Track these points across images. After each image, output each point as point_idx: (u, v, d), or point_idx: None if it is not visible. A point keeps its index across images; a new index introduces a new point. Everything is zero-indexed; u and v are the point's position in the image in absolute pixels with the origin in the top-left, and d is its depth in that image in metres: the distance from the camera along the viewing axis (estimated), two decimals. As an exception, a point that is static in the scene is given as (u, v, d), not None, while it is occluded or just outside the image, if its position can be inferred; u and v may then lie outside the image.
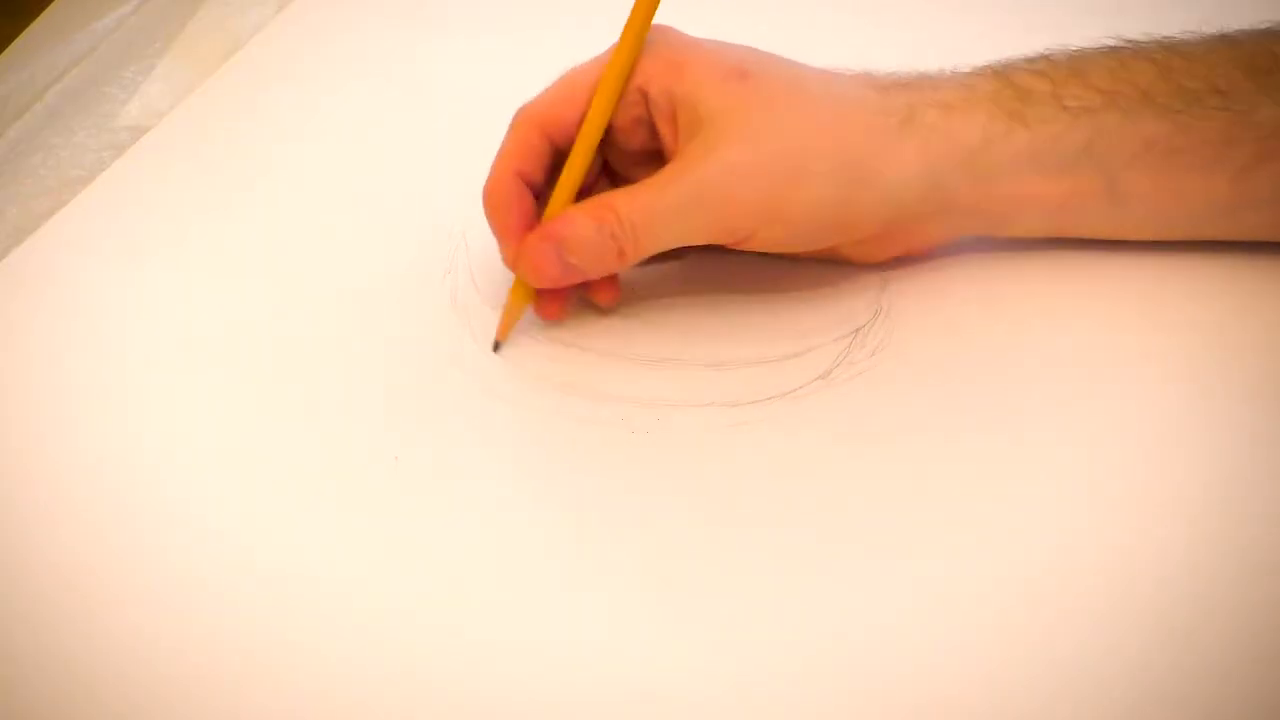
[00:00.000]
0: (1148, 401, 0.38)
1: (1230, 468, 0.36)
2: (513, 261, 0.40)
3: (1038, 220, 0.41)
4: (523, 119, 0.41)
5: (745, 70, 0.39)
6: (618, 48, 0.39)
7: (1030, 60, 0.40)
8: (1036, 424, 0.38)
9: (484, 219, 0.43)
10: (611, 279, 0.41)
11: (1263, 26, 0.40)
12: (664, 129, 0.40)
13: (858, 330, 0.41)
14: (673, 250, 0.41)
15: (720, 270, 0.43)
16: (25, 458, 0.39)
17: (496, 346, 0.41)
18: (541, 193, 0.41)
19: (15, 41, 0.60)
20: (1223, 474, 0.36)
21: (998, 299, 0.42)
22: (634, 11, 0.39)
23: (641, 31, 0.39)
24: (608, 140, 0.40)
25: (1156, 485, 0.36)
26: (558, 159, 0.40)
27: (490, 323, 0.42)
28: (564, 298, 0.41)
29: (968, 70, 0.41)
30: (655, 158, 0.40)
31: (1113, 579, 0.34)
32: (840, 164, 0.38)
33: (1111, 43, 0.40)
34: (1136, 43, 0.40)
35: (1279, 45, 0.39)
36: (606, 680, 0.32)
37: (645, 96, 0.40)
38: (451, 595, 0.34)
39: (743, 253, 0.41)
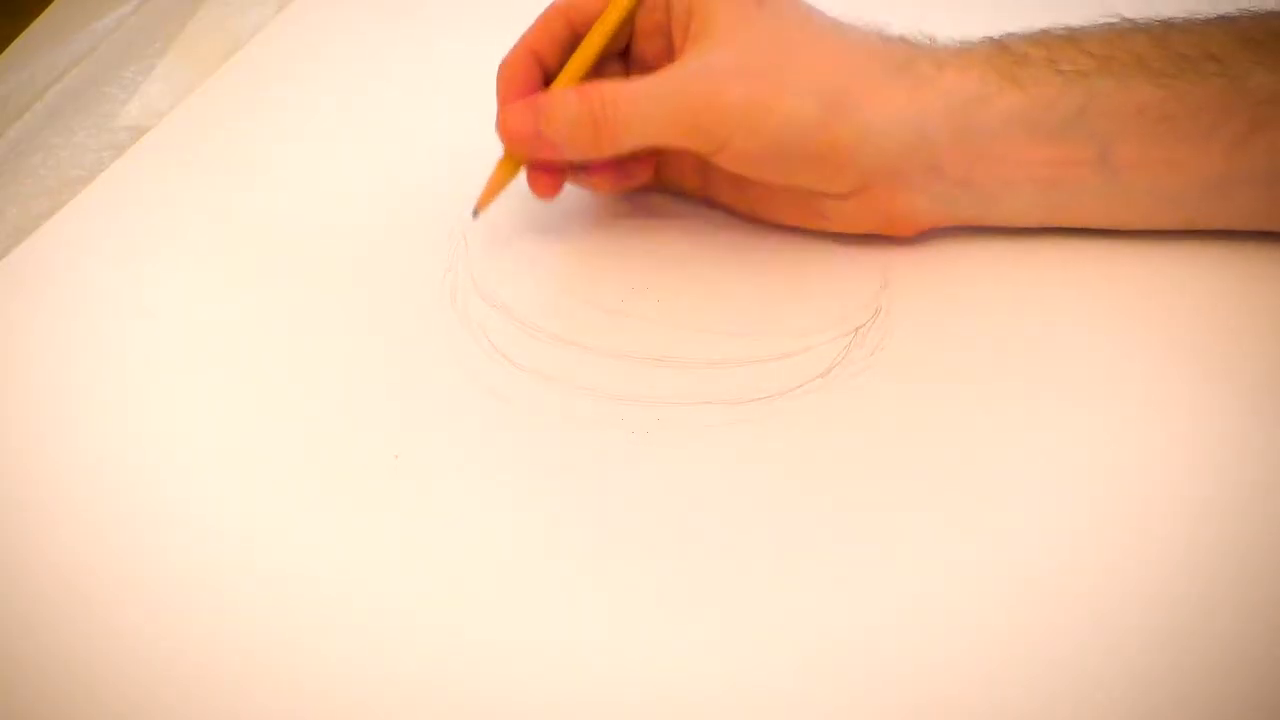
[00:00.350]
0: (1148, 401, 0.38)
1: (1234, 465, 0.36)
2: (499, 126, 0.42)
3: (1028, 196, 0.41)
4: (552, 6, 0.42)
5: None
6: None
7: (1027, 32, 0.41)
8: (1036, 423, 0.38)
9: (486, 218, 0.43)
10: (610, 166, 0.42)
11: (1260, 9, 0.40)
12: (677, 37, 0.41)
13: (857, 330, 0.41)
14: (649, 148, 0.41)
15: (720, 270, 0.43)
16: (25, 458, 0.39)
17: (475, 214, 0.43)
18: (552, 76, 0.42)
19: (15, 41, 0.60)
20: (1226, 472, 0.36)
21: (997, 299, 0.42)
22: None
23: None
24: (631, 50, 0.42)
25: (1157, 484, 0.36)
26: (577, 46, 0.42)
27: (491, 322, 0.42)
28: (554, 174, 0.43)
29: (966, 40, 0.41)
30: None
31: (1114, 578, 0.34)
32: (825, 88, 0.39)
33: (1110, 20, 0.41)
34: (1134, 20, 0.41)
35: (1275, 21, 0.40)
36: (606, 680, 0.32)
37: (669, 3, 0.41)
38: (451, 594, 0.34)
39: (742, 253, 0.41)
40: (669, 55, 0.41)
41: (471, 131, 0.43)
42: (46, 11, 0.61)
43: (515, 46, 0.43)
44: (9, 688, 0.33)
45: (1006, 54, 0.40)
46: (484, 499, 0.37)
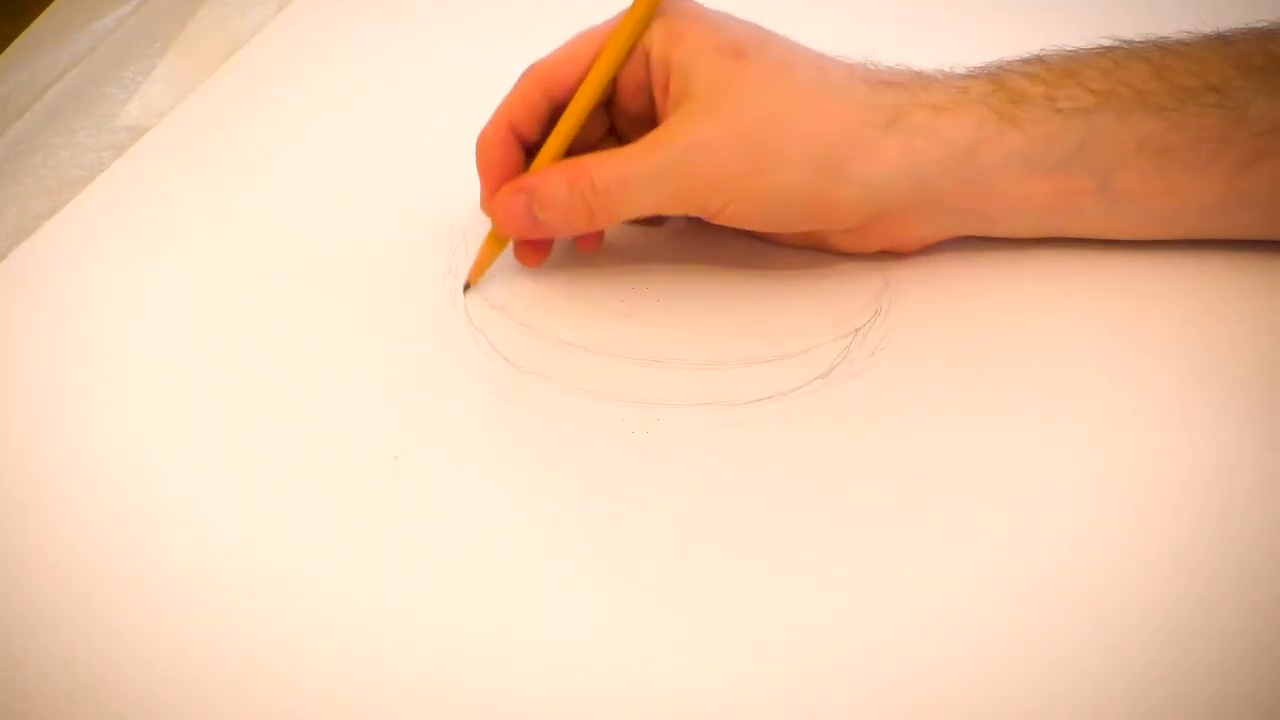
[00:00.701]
0: (1148, 400, 0.38)
1: (1231, 464, 0.36)
2: (486, 208, 0.42)
3: (1029, 219, 0.41)
4: (528, 74, 0.42)
5: (742, 49, 0.39)
6: (629, 11, 0.40)
7: (1025, 62, 0.40)
8: (1036, 423, 0.38)
9: (485, 220, 0.43)
10: (541, 244, 0.43)
11: (1258, 26, 0.40)
12: (658, 95, 0.40)
13: (857, 330, 0.41)
14: (655, 216, 0.42)
15: (721, 270, 0.43)
16: (25, 457, 0.39)
17: (466, 288, 0.43)
18: (533, 148, 0.42)
19: (15, 41, 0.60)
20: (1224, 471, 0.36)
21: (997, 299, 0.42)
22: None
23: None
24: (615, 103, 0.42)
25: (1157, 483, 0.36)
26: (556, 116, 0.41)
27: (491, 322, 0.42)
28: (543, 246, 0.43)
29: (962, 72, 0.41)
30: (654, 123, 0.41)
31: (1113, 579, 0.34)
32: (814, 154, 0.39)
33: (1107, 43, 0.40)
34: (1131, 43, 0.40)
35: (1273, 44, 0.39)
36: (606, 679, 0.32)
37: (648, 60, 0.40)
38: (451, 594, 0.34)
39: (743, 254, 0.41)
40: (651, 111, 0.41)
41: (471, 132, 0.43)
42: (46, 11, 0.61)
43: (493, 120, 0.42)
44: (9, 688, 0.33)
45: (1003, 92, 0.39)
46: (484, 499, 0.37)
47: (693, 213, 0.40)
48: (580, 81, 0.40)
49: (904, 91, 0.40)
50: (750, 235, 0.43)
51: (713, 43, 0.39)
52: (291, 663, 0.33)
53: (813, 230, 0.41)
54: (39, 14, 0.61)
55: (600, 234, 0.43)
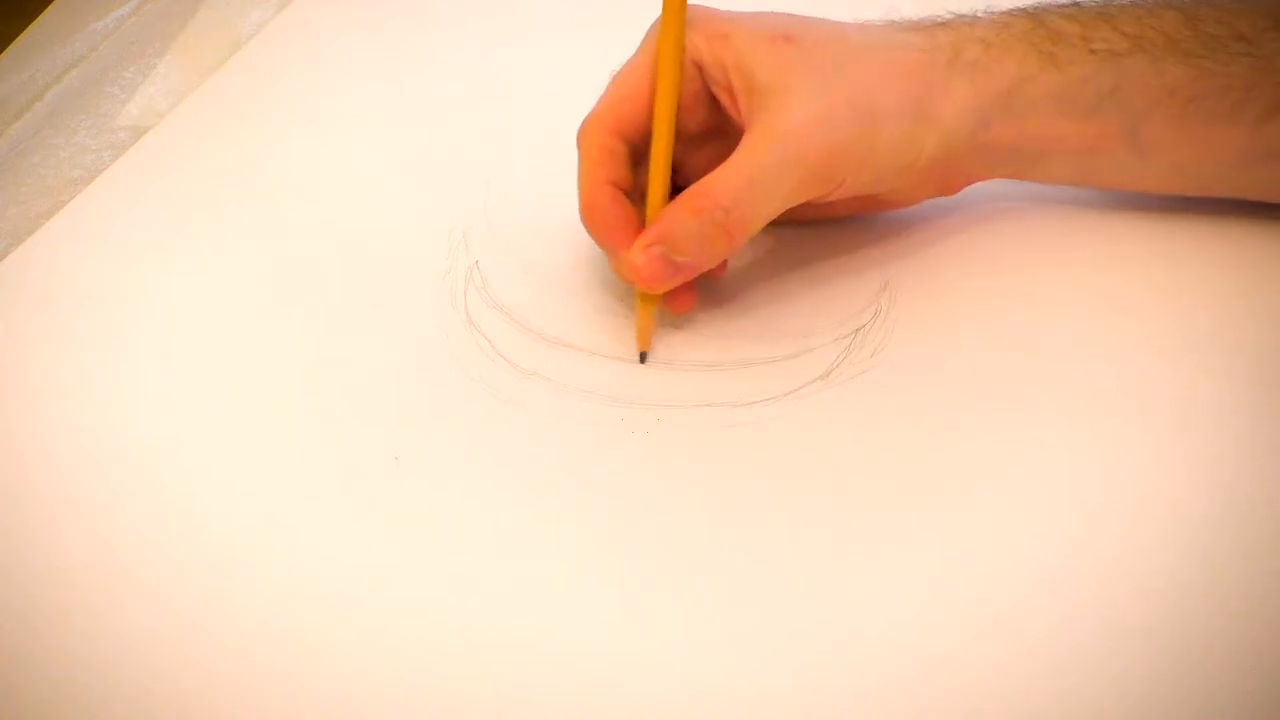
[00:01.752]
0: (1148, 402, 0.38)
1: (1235, 464, 0.36)
2: (621, 273, 0.40)
3: (1064, 164, 0.42)
4: (592, 129, 0.40)
5: (789, 34, 0.39)
6: (662, 29, 0.39)
7: (1061, 5, 0.41)
8: (1037, 423, 0.38)
9: (485, 219, 0.43)
10: (688, 286, 0.41)
11: None
12: (724, 98, 0.40)
13: (858, 331, 0.41)
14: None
15: (720, 271, 0.43)
16: (25, 457, 0.39)
17: (643, 357, 0.41)
18: (631, 193, 0.40)
19: (15, 41, 0.60)
20: (1227, 473, 0.36)
21: (997, 299, 0.42)
22: None
23: (682, 7, 0.39)
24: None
25: (1159, 484, 0.36)
26: (636, 157, 0.40)
27: (490, 322, 0.42)
28: (690, 288, 0.41)
29: (1001, 11, 0.41)
30: (715, 135, 0.40)
31: (1115, 577, 0.34)
32: (907, 100, 0.39)
33: None
34: None
35: None
36: (606, 679, 0.32)
37: (700, 69, 0.40)
38: (451, 594, 0.34)
39: (743, 254, 0.41)
40: (716, 119, 0.40)
41: (472, 132, 0.43)
42: (46, 11, 0.61)
43: (585, 186, 0.40)
44: (9, 687, 0.33)
45: (1043, 30, 0.40)
46: (484, 499, 0.37)
47: (816, 195, 0.39)
48: (647, 114, 0.39)
49: (953, 29, 0.40)
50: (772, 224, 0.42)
51: (759, 34, 0.39)
52: (292, 662, 0.33)
53: (884, 190, 0.41)
54: (39, 14, 0.61)
55: (696, 287, 0.41)
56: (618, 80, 0.40)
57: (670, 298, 0.41)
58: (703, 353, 0.41)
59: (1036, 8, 0.41)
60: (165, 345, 0.42)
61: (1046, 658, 0.32)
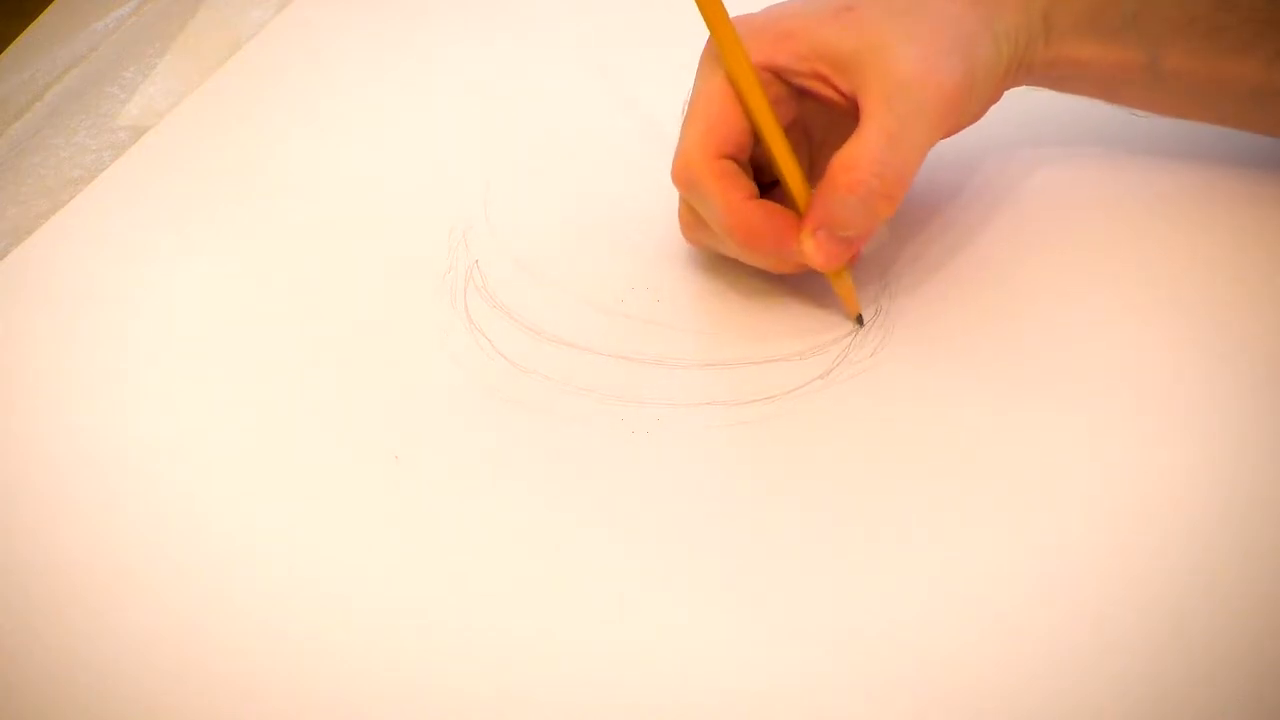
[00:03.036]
0: (1149, 401, 0.38)
1: (1238, 462, 0.36)
2: (798, 264, 0.40)
3: (1087, 85, 0.42)
4: (699, 159, 0.40)
5: (847, 3, 0.40)
6: (721, 44, 0.39)
7: None
8: (1036, 422, 0.38)
9: (485, 218, 0.43)
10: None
11: None
12: (816, 86, 0.40)
13: (858, 330, 0.41)
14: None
15: (720, 270, 0.43)
16: (25, 457, 0.39)
17: (860, 319, 0.42)
18: (770, 191, 0.41)
19: (15, 41, 0.60)
20: (1230, 471, 0.36)
21: (997, 298, 0.42)
22: (706, 8, 0.39)
23: (727, 19, 0.39)
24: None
25: (1159, 483, 0.36)
26: (747, 168, 0.41)
27: (491, 322, 0.42)
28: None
29: None
30: (797, 129, 0.41)
31: (1117, 575, 0.34)
32: (983, 23, 0.39)
33: None
34: None
35: None
36: (606, 679, 0.32)
37: (777, 72, 0.40)
38: (451, 594, 0.34)
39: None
40: (800, 111, 0.41)
41: (472, 132, 0.43)
42: (46, 11, 0.61)
43: (731, 206, 0.40)
44: (9, 688, 0.33)
45: None
46: (483, 499, 0.37)
47: (948, 133, 0.40)
48: (744, 129, 0.40)
49: None
50: None
51: (821, 17, 0.40)
52: (292, 662, 0.33)
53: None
54: (39, 14, 0.61)
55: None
56: (695, 111, 0.40)
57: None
58: (703, 352, 0.41)
59: None
60: (165, 345, 0.42)
61: (1047, 657, 0.32)
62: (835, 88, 0.40)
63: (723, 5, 0.39)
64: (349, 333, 0.42)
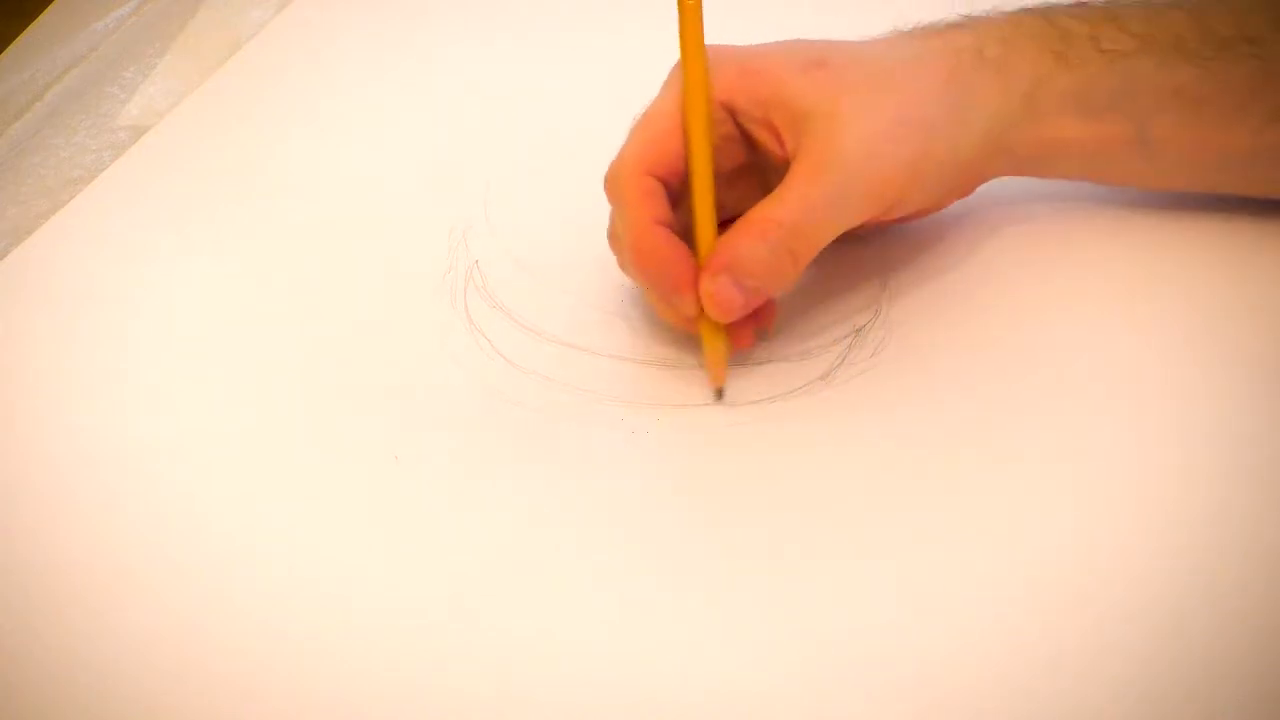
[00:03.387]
0: (1150, 402, 0.38)
1: (1236, 464, 0.36)
2: (692, 307, 0.39)
3: (1073, 165, 0.41)
4: (627, 172, 0.39)
5: (820, 59, 0.39)
6: (686, 68, 0.38)
7: (1069, 5, 0.41)
8: (1037, 422, 0.38)
9: (485, 219, 0.43)
10: (751, 319, 0.40)
11: None
12: (762, 135, 0.39)
13: (858, 330, 0.41)
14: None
15: (769, 321, 0.43)
16: (25, 457, 0.39)
17: (720, 394, 0.40)
18: (676, 232, 0.39)
19: (15, 41, 0.60)
20: (1227, 469, 0.36)
21: (997, 299, 0.42)
22: (684, 29, 0.38)
23: (700, 45, 0.38)
24: None
25: (1159, 485, 0.36)
26: (673, 199, 0.39)
27: (491, 322, 0.42)
28: (751, 323, 0.40)
29: (1011, 10, 0.41)
30: (748, 173, 0.40)
31: (1116, 576, 0.34)
32: (951, 109, 0.39)
33: None
34: None
35: None
36: (606, 679, 0.32)
37: (732, 111, 0.39)
38: (451, 594, 0.34)
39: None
40: (750, 158, 0.40)
41: (472, 132, 0.43)
42: (46, 11, 0.61)
43: (637, 227, 0.39)
44: (9, 688, 0.33)
45: (1054, 30, 0.40)
46: (483, 499, 0.37)
47: (875, 215, 0.39)
48: (679, 154, 0.39)
49: (971, 30, 0.40)
50: None
51: (791, 65, 0.39)
52: (292, 662, 0.33)
53: (931, 204, 0.41)
54: (39, 14, 0.61)
55: (755, 320, 0.40)
56: (642, 124, 0.40)
57: (734, 334, 0.40)
58: (703, 353, 0.41)
59: (1046, 7, 0.41)
60: (165, 345, 0.42)
61: (1047, 657, 0.32)
62: (780, 141, 0.39)
63: (700, 29, 0.38)
64: (349, 333, 0.42)
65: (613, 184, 0.39)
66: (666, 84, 0.40)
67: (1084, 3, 0.41)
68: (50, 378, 0.41)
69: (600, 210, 0.43)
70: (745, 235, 0.38)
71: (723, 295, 0.38)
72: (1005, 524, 0.35)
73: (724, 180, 0.40)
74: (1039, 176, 0.42)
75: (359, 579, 0.35)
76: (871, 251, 0.43)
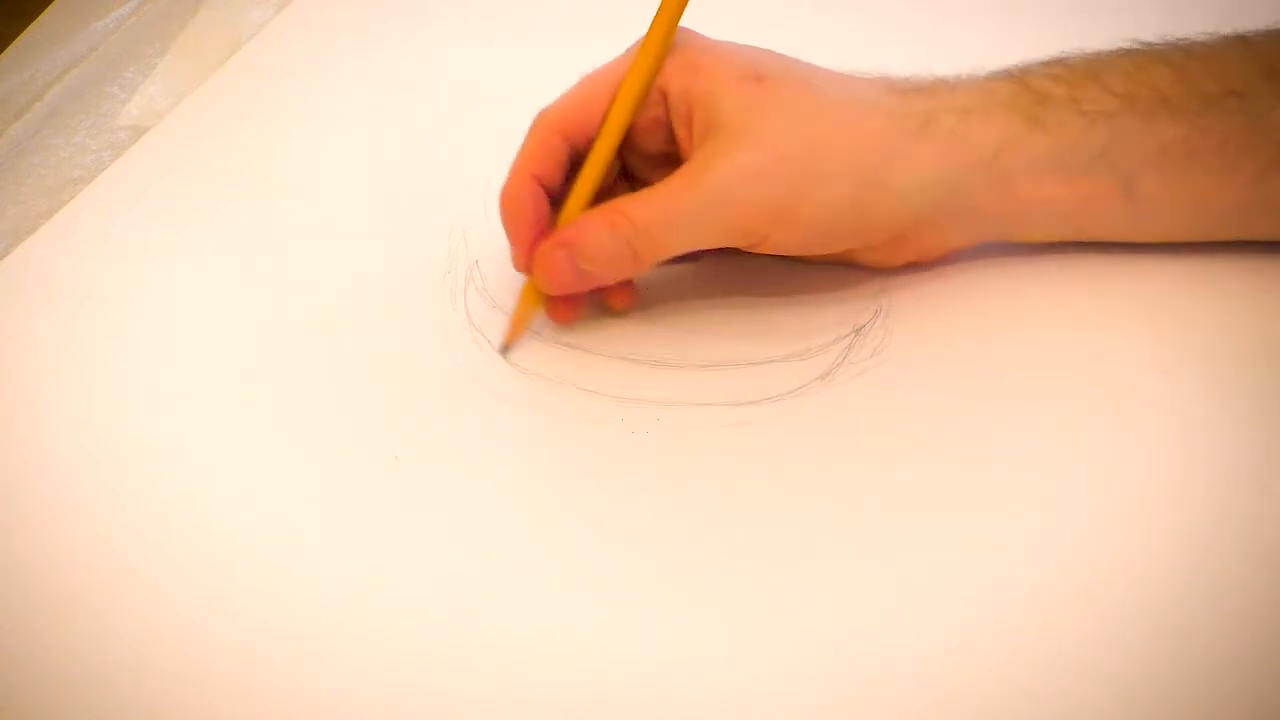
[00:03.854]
0: (1149, 402, 0.38)
1: (1236, 469, 0.36)
2: (525, 267, 0.40)
3: (1055, 224, 0.41)
4: (541, 122, 0.40)
5: (761, 73, 0.38)
6: (642, 49, 0.39)
7: (1047, 64, 0.40)
8: (1037, 424, 0.38)
9: (485, 218, 0.43)
10: (627, 283, 0.41)
11: (1278, 27, 0.40)
12: (680, 130, 0.40)
13: (858, 330, 0.41)
14: (688, 253, 0.40)
15: (722, 271, 0.43)
16: (25, 458, 0.39)
17: (504, 350, 0.41)
18: (558, 197, 0.40)
19: (15, 41, 0.60)
20: (1228, 475, 0.36)
21: (998, 299, 0.42)
22: (659, 14, 0.39)
23: (668, 35, 0.39)
24: (627, 142, 0.40)
25: (1158, 487, 0.36)
26: (576, 162, 0.40)
27: (490, 322, 0.42)
28: (576, 302, 0.41)
29: (985, 75, 0.40)
30: (673, 160, 0.40)
31: (1113, 582, 0.34)
32: (854, 167, 0.38)
33: (1127, 45, 0.40)
34: (1152, 45, 0.40)
35: None
36: (605, 679, 0.32)
37: (665, 97, 0.39)
38: (451, 594, 0.34)
39: (748, 254, 0.41)
40: (671, 146, 0.40)
41: (472, 132, 0.43)
42: (46, 11, 0.61)
43: (514, 174, 0.40)
44: (9, 687, 0.33)
45: (1028, 94, 0.39)
46: (484, 500, 0.37)
47: (736, 244, 0.40)
48: (598, 124, 0.39)
49: (931, 97, 0.39)
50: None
51: (732, 71, 0.38)
52: (292, 662, 0.33)
53: (846, 250, 0.41)
54: (39, 14, 0.61)
55: (582, 303, 0.41)
56: (583, 82, 0.40)
57: (555, 306, 0.41)
58: (703, 352, 0.41)
59: (1021, 70, 0.40)
60: (165, 345, 0.42)
61: (1047, 657, 0.32)
62: (690, 140, 0.39)
63: (677, 11, 0.38)
64: (349, 333, 0.42)
65: (529, 128, 0.41)
66: (627, 50, 0.40)
67: (1062, 60, 0.40)
68: (50, 378, 0.41)
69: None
70: (597, 220, 0.39)
71: (555, 268, 0.39)
72: (1005, 523, 0.35)
73: (647, 160, 0.41)
74: (1024, 239, 0.42)
75: (359, 579, 0.35)
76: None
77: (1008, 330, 0.41)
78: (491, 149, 0.43)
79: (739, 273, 0.43)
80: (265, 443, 0.39)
